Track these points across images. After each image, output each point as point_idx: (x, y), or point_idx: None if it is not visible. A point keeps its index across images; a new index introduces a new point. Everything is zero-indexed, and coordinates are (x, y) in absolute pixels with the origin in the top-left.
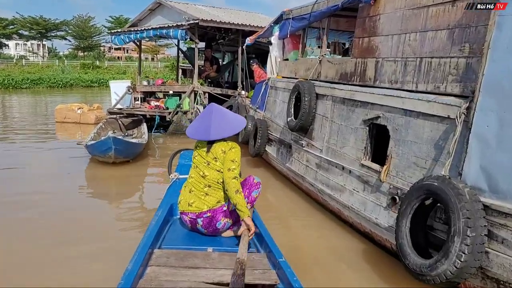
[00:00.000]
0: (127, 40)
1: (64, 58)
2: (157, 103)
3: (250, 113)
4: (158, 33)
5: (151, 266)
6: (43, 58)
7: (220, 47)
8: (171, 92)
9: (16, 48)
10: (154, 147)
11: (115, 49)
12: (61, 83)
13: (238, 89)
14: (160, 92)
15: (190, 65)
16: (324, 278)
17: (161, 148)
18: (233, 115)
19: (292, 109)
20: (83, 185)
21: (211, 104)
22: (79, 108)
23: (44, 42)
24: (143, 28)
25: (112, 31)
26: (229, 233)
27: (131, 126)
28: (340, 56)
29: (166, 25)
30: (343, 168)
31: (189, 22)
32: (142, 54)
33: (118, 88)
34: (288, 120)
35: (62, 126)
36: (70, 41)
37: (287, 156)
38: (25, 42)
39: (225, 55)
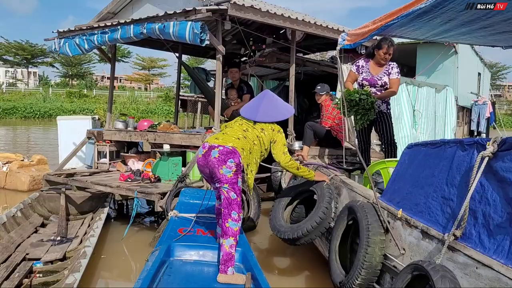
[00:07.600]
0: (87, 47)
1: (55, 86)
2: (139, 167)
3: (401, 239)
4: (145, 31)
5: None
6: (27, 85)
7: (246, 67)
8: (166, 147)
9: (6, 75)
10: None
11: (108, 78)
12: (38, 113)
13: (289, 140)
14: (147, 141)
15: (191, 94)
16: None
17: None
18: (283, 106)
19: None
20: None
21: (266, 91)
22: (6, 163)
23: (34, 70)
24: (116, 22)
25: (60, 30)
26: (224, 279)
27: (87, 206)
28: None
29: (163, 14)
30: None
31: (211, 7)
32: (134, 84)
33: (71, 131)
34: None
35: None
36: (57, 68)
37: None
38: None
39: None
